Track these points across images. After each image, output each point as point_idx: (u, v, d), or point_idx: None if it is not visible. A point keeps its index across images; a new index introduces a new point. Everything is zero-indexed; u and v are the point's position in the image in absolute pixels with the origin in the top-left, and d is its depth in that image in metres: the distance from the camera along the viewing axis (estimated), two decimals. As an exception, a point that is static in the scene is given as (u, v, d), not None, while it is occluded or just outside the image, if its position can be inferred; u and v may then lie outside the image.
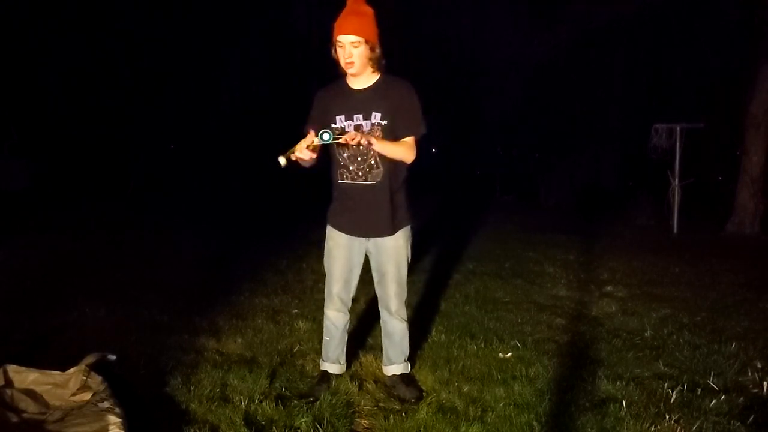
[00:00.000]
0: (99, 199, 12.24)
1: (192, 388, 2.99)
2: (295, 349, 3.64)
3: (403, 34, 16.31)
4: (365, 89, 2.87)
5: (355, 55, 2.76)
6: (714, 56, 13.57)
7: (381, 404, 2.95)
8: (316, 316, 3.98)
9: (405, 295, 3.07)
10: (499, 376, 3.24)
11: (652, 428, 2.68)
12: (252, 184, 14.72)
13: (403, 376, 3.10)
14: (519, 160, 19.11)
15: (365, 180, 2.88)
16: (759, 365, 3.45)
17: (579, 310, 4.68)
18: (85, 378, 2.79)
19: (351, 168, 2.88)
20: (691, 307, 4.80)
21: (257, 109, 19.03)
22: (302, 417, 2.73)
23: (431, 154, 19.59)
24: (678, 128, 9.78)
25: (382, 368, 3.20)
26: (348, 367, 3.25)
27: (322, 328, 3.16)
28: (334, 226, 3.01)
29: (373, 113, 2.83)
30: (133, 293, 4.84)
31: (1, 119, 14.31)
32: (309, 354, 3.53)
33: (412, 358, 3.26)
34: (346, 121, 2.86)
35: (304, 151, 2.65)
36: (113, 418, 2.45)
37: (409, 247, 3.02)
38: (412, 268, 3.17)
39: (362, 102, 2.85)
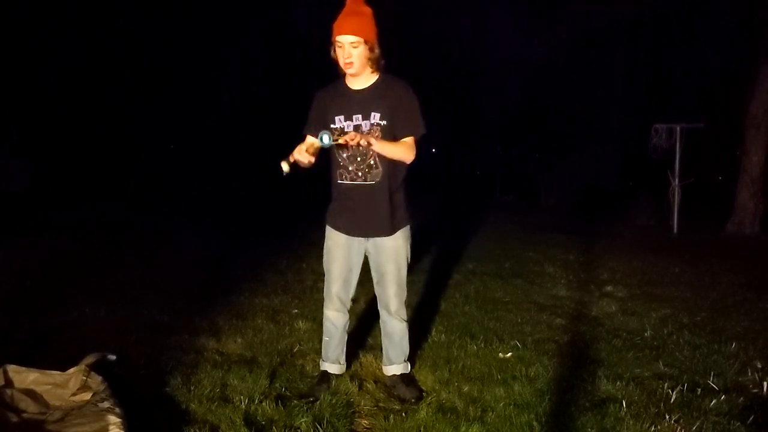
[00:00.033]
0: (99, 199, 12.24)
1: (192, 388, 2.99)
2: (295, 349, 3.64)
3: (403, 34, 16.31)
4: (364, 89, 2.87)
5: (354, 56, 2.76)
6: (714, 56, 13.57)
7: (381, 404, 2.95)
8: (316, 316, 3.97)
9: (405, 295, 3.06)
10: (499, 376, 3.24)
11: (652, 428, 2.68)
12: (252, 183, 14.72)
13: (403, 376, 3.10)
14: (519, 160, 19.11)
15: (364, 180, 2.88)
16: (759, 365, 3.45)
17: (579, 310, 4.68)
18: (85, 378, 2.79)
19: (350, 168, 2.88)
20: (691, 307, 4.80)
21: (257, 109, 19.03)
22: (302, 417, 2.73)
23: (431, 154, 19.59)
24: (678, 128, 9.78)
25: (382, 368, 3.20)
26: (348, 367, 3.25)
27: (322, 328, 3.16)
28: (333, 227, 3.01)
29: (372, 113, 2.83)
30: (133, 293, 4.84)
31: (1, 119, 14.31)
32: (309, 354, 3.53)
33: (412, 358, 3.26)
34: (345, 121, 2.86)
35: (303, 154, 2.65)
36: (113, 418, 2.45)
37: (409, 247, 3.02)
38: (412, 268, 3.17)
39: (361, 102, 2.85)
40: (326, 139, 2.63)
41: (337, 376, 3.14)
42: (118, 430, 2.40)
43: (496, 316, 4.44)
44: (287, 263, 6.15)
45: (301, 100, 3.40)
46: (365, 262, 3.05)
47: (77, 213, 10.20)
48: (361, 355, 3.53)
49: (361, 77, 2.86)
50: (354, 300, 3.21)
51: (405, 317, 3.09)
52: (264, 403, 2.84)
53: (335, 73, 2.91)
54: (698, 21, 13.49)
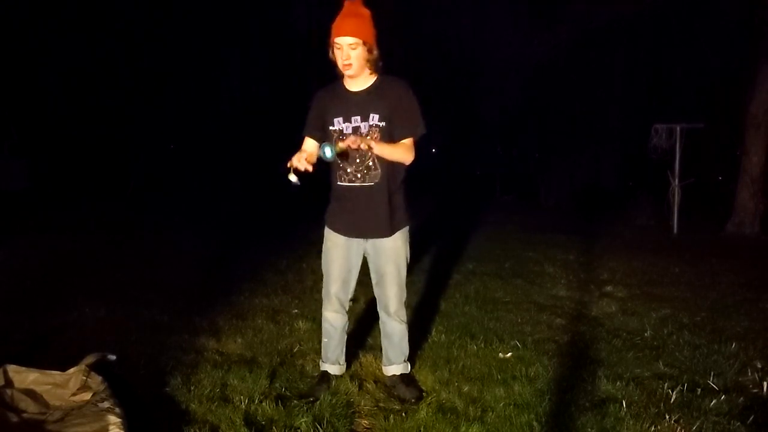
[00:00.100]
0: (99, 199, 12.25)
1: (192, 388, 2.99)
2: (295, 349, 3.64)
3: (403, 34, 16.32)
4: (363, 91, 2.87)
5: (353, 57, 2.76)
6: (714, 56, 13.56)
7: (381, 404, 2.95)
8: (316, 316, 3.97)
9: (404, 296, 3.06)
10: (499, 376, 3.24)
11: (652, 428, 2.68)
12: (252, 183, 14.72)
13: (403, 376, 3.10)
14: (519, 160, 19.12)
15: (363, 181, 2.87)
16: (759, 365, 3.45)
17: (579, 310, 4.68)
18: (85, 378, 2.79)
19: (349, 170, 2.88)
20: (691, 307, 4.80)
21: (257, 109, 19.04)
22: (302, 417, 2.73)
23: (431, 154, 19.59)
24: (678, 128, 9.77)
25: (381, 368, 3.20)
26: (348, 367, 3.25)
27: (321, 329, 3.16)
28: (331, 228, 3.01)
29: (371, 115, 2.83)
30: (133, 293, 4.85)
31: (1, 119, 14.31)
32: (309, 354, 3.53)
33: (412, 359, 3.26)
34: (344, 123, 2.85)
35: (302, 162, 2.64)
36: (113, 418, 2.45)
37: (408, 248, 3.02)
38: (411, 268, 3.17)
39: (360, 104, 2.85)
40: (328, 152, 2.63)
41: (337, 376, 3.14)
42: (118, 430, 2.40)
43: (496, 316, 4.44)
44: (287, 263, 6.15)
45: (301, 100, 3.40)
46: (364, 263, 3.05)
47: (77, 213, 10.21)
48: (361, 355, 3.52)
49: (359, 79, 2.85)
50: (354, 300, 3.21)
51: (404, 318, 3.08)
52: (264, 403, 2.84)
53: (335, 74, 2.91)
54: (698, 21, 13.49)
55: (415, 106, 2.88)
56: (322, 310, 3.11)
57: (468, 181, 18.70)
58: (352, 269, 3.02)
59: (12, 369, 2.82)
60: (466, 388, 3.08)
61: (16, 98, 15.10)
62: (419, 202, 4.01)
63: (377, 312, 3.14)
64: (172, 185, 15.01)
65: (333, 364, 3.13)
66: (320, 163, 2.70)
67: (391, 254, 2.96)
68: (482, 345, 3.75)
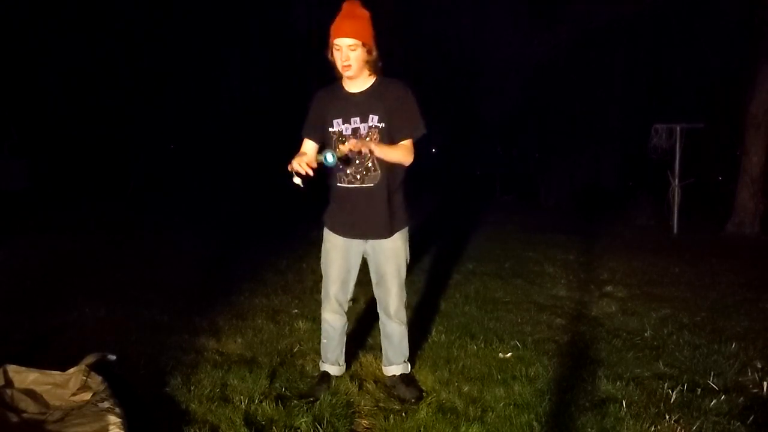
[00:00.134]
0: (99, 199, 12.24)
1: (192, 388, 2.99)
2: (295, 349, 3.64)
3: (403, 34, 16.32)
4: (362, 92, 2.87)
5: (352, 58, 2.76)
6: (714, 56, 13.56)
7: (381, 404, 2.95)
8: (316, 316, 3.97)
9: (404, 297, 3.06)
10: (499, 376, 3.24)
11: (652, 428, 2.68)
12: (252, 183, 14.72)
13: (403, 377, 3.10)
14: (519, 160, 19.12)
15: (363, 183, 2.87)
16: (759, 365, 3.45)
17: (579, 310, 4.68)
18: (85, 378, 2.79)
19: (348, 171, 2.87)
20: (691, 307, 4.80)
21: (257, 109, 19.04)
22: (302, 417, 2.73)
23: (431, 154, 19.60)
24: (678, 128, 9.77)
25: (381, 368, 3.20)
26: (348, 367, 3.25)
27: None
28: (331, 229, 3.01)
29: (371, 116, 2.83)
30: (133, 293, 4.84)
31: (1, 119, 14.31)
32: (309, 354, 3.53)
33: (412, 359, 3.25)
34: (343, 124, 2.85)
35: (303, 166, 2.63)
36: (113, 418, 2.45)
37: (408, 249, 3.02)
38: (411, 268, 3.17)
39: (359, 105, 2.85)
40: (330, 157, 2.63)
41: (336, 377, 3.14)
42: (118, 430, 2.40)
43: (496, 316, 4.44)
44: (287, 263, 6.15)
45: (301, 100, 3.40)
46: (364, 264, 3.05)
47: (77, 213, 10.20)
48: (360, 356, 3.52)
49: (358, 80, 2.85)
50: (353, 300, 3.21)
51: (404, 319, 3.08)
52: (264, 403, 2.84)
53: (335, 74, 2.90)
54: (698, 21, 13.49)
55: (415, 107, 2.88)
56: (322, 311, 3.11)
57: (468, 181, 18.70)
58: (351, 270, 3.02)
59: (12, 369, 2.82)
60: (466, 388, 3.08)
61: (16, 98, 15.10)
62: (419, 202, 4.01)
63: (377, 312, 3.14)
64: (172, 185, 15.00)
65: (333, 365, 3.13)
66: (320, 165, 2.69)
67: (390, 255, 2.96)
68: (482, 345, 3.75)
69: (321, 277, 3.10)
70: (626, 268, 6.28)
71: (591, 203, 12.68)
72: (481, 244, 7.76)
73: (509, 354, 3.61)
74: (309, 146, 2.94)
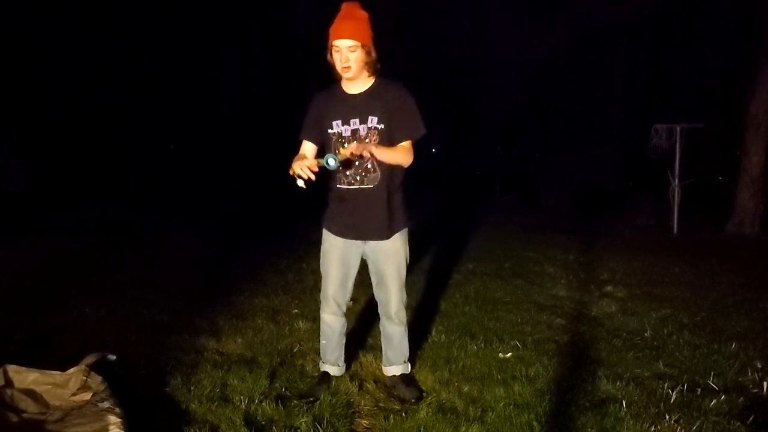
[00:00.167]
0: (99, 199, 12.24)
1: (192, 388, 2.99)
2: (295, 349, 3.64)
3: (403, 34, 16.33)
4: (361, 93, 2.86)
5: (351, 60, 2.75)
6: (714, 56, 13.56)
7: (381, 404, 2.95)
8: (316, 316, 3.96)
9: (405, 298, 3.05)
10: (499, 376, 3.24)
11: (652, 428, 2.68)
12: (252, 183, 14.73)
13: (403, 377, 3.10)
14: (519, 160, 19.12)
15: (362, 184, 2.87)
16: (759, 365, 3.45)
17: (579, 310, 4.68)
18: (85, 378, 2.79)
19: (348, 172, 2.87)
20: (691, 307, 4.80)
21: (257, 109, 19.04)
22: (302, 417, 2.73)
23: (431, 154, 19.60)
24: (678, 128, 9.77)
25: (382, 368, 3.20)
26: (348, 367, 3.25)
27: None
28: (330, 230, 3.00)
29: (370, 117, 2.83)
30: (133, 293, 4.84)
31: (1, 119, 14.32)
32: (309, 354, 3.53)
33: (412, 359, 3.25)
34: (342, 126, 2.85)
35: (305, 170, 2.63)
36: (113, 418, 2.45)
37: (407, 250, 3.02)
38: (411, 268, 3.17)
39: (358, 106, 2.84)
40: (332, 162, 2.63)
41: (337, 377, 3.14)
42: (118, 430, 2.40)
43: (496, 316, 4.44)
44: (287, 263, 6.15)
45: (301, 100, 3.39)
46: (363, 265, 3.05)
47: (77, 213, 10.20)
48: (360, 356, 3.52)
49: (357, 81, 2.85)
50: (354, 300, 3.21)
51: (404, 320, 3.08)
52: (264, 403, 2.84)
53: (334, 75, 2.90)
54: (698, 21, 13.49)
55: (414, 107, 2.87)
56: (320, 312, 3.10)
57: (468, 181, 18.70)
58: (350, 271, 3.01)
59: (12, 369, 2.82)
60: (466, 388, 3.08)
61: (16, 98, 15.10)
62: (419, 202, 4.01)
63: (377, 312, 3.14)
64: (172, 185, 15.01)
65: (332, 366, 3.13)
66: (322, 169, 2.69)
67: (390, 256, 2.96)
68: (482, 345, 3.75)
69: (321, 277, 3.10)
70: (626, 268, 6.29)
71: (591, 203, 12.68)
72: (481, 244, 7.76)
73: (509, 354, 3.61)
74: (308, 148, 2.94)
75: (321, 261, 3.06)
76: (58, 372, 2.85)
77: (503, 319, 4.39)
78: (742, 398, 3.00)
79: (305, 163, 2.64)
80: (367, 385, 3.14)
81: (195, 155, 17.13)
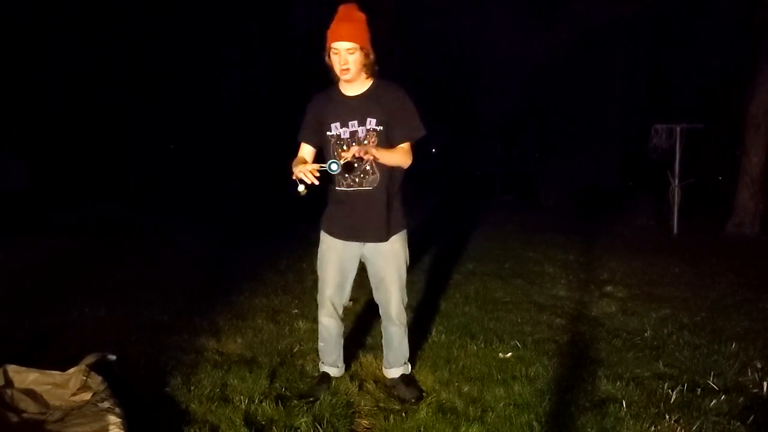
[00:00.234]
0: (99, 199, 12.24)
1: (192, 388, 3.00)
2: (295, 349, 3.64)
3: (403, 34, 16.33)
4: (359, 95, 2.86)
5: (350, 62, 2.75)
6: (714, 56, 13.56)
7: (381, 404, 2.95)
8: (316, 316, 3.98)
9: (405, 299, 3.05)
10: (499, 376, 3.24)
11: (652, 428, 2.68)
12: (252, 183, 14.73)
13: (403, 377, 3.10)
14: (519, 160, 19.12)
15: (361, 186, 2.86)
16: (759, 365, 3.45)
17: (579, 310, 4.68)
18: (85, 378, 2.79)
19: (347, 174, 2.87)
20: (691, 307, 4.80)
21: (257, 109, 19.04)
22: (302, 417, 2.73)
23: (431, 154, 19.60)
24: (678, 128, 9.77)
25: (382, 368, 3.20)
26: (348, 367, 3.25)
27: (318, 332, 3.15)
28: (328, 231, 2.99)
29: (368, 119, 2.82)
30: (133, 293, 4.85)
31: (1, 119, 14.32)
32: (309, 354, 3.53)
33: (412, 359, 3.25)
34: (341, 128, 2.84)
35: (308, 175, 2.61)
36: (113, 418, 2.45)
37: (407, 252, 3.01)
38: (411, 268, 3.17)
39: (357, 108, 2.84)
40: (334, 166, 2.64)
41: (336, 377, 3.14)
42: (118, 430, 2.40)
43: (496, 316, 4.44)
44: (287, 263, 6.15)
45: (301, 100, 3.39)
46: (362, 266, 3.04)
47: (77, 213, 10.20)
48: (361, 356, 3.53)
49: (356, 83, 2.84)
50: (353, 300, 3.20)
51: (405, 322, 3.07)
52: (264, 403, 2.84)
53: (332, 77, 2.89)
54: (698, 21, 13.49)
55: (412, 108, 2.87)
56: (318, 314, 3.09)
57: (468, 181, 18.70)
58: (347, 273, 3.00)
59: (12, 369, 2.82)
60: (466, 388, 3.08)
61: (16, 98, 15.11)
62: (419, 203, 4.00)
63: (377, 311, 3.14)
64: (172, 185, 15.01)
65: (332, 367, 3.13)
66: (324, 173, 2.68)
67: (390, 258, 2.95)
68: (482, 345, 3.75)
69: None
70: (626, 268, 6.28)
71: (591, 203, 12.68)
72: (481, 244, 7.76)
73: (509, 354, 3.61)
74: (306, 151, 2.92)
75: (318, 263, 3.04)
76: (58, 372, 2.85)
77: (503, 319, 4.39)
78: (742, 398, 3.00)
79: (307, 168, 2.61)
80: (367, 385, 3.14)
81: (195, 155, 17.13)
